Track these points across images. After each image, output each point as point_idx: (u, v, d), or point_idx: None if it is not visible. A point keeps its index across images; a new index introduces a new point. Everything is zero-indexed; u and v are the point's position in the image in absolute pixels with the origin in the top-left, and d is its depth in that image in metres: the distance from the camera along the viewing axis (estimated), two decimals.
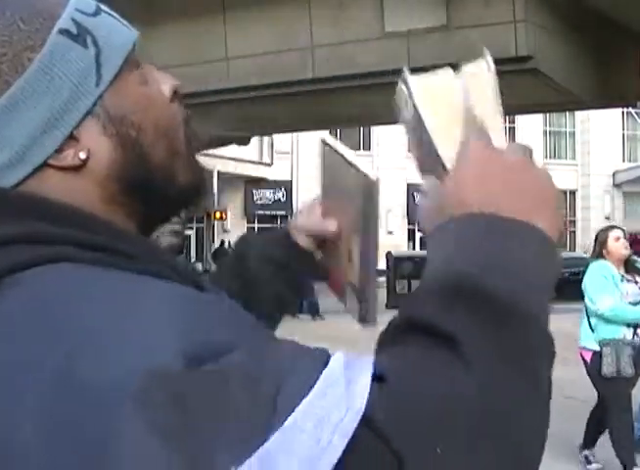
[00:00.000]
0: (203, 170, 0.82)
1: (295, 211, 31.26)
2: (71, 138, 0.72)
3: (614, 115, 39.94)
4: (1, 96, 0.70)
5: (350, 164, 0.92)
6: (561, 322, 14.21)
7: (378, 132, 38.14)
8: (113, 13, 0.77)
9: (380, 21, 12.17)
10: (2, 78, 0.70)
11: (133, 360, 0.56)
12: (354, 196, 0.92)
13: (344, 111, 14.86)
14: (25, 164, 0.71)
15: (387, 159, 39.19)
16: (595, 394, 6.46)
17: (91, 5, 0.75)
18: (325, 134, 0.93)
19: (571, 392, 8.86)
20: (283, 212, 36.84)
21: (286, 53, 13.03)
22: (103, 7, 0.77)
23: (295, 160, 36.85)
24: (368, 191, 0.90)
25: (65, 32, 0.71)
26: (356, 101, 13.68)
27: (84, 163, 0.73)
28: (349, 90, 12.74)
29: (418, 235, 40.53)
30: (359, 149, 38.90)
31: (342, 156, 0.94)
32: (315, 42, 12.67)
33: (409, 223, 40.42)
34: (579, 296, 6.43)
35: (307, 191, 37.31)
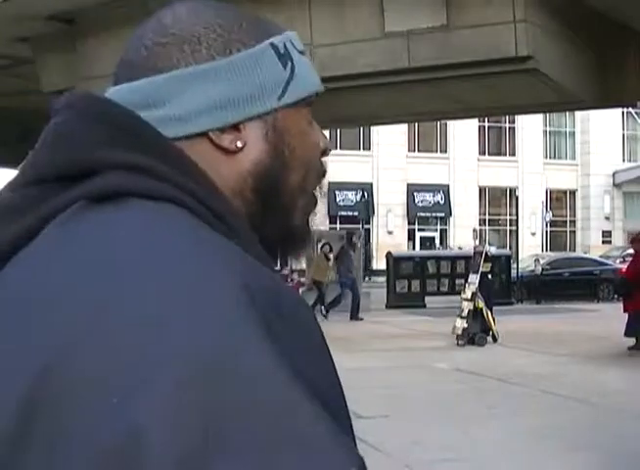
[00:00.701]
0: (311, 233, 0.90)
1: None
2: (236, 127, 0.81)
3: (614, 115, 39.92)
4: (204, 63, 0.81)
5: None
6: (558, 321, 14.07)
7: (378, 132, 38.09)
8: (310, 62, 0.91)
9: (380, 21, 12.16)
10: (211, 51, 0.81)
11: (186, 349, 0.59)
12: None
13: (344, 111, 14.86)
14: (191, 125, 0.80)
15: (387, 159, 39.16)
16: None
17: (301, 45, 0.89)
18: None
19: (558, 388, 8.88)
20: None
21: None
22: (307, 54, 0.91)
23: None
24: None
25: (274, 48, 0.85)
26: (356, 101, 13.68)
27: (237, 150, 0.82)
28: (349, 90, 12.73)
29: (418, 235, 40.54)
30: (359, 149, 38.89)
31: None
32: (315, 42, 12.67)
33: (409, 223, 40.40)
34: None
35: None
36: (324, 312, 17.99)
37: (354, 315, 17.99)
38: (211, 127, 0.80)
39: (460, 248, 30.56)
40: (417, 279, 21.57)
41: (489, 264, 14.43)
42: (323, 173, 0.91)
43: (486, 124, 40.85)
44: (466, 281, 14.44)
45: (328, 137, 0.93)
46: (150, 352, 0.59)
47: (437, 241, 40.43)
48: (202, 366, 0.58)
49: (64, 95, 0.80)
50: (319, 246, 19.69)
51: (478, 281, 13.67)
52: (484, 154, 41.63)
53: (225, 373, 0.58)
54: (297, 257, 0.90)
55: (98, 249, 0.67)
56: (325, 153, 0.91)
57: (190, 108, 0.79)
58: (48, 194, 0.73)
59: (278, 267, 0.99)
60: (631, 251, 14.60)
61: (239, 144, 0.81)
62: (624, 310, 12.89)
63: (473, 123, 39.33)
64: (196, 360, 0.58)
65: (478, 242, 19.90)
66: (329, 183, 44.92)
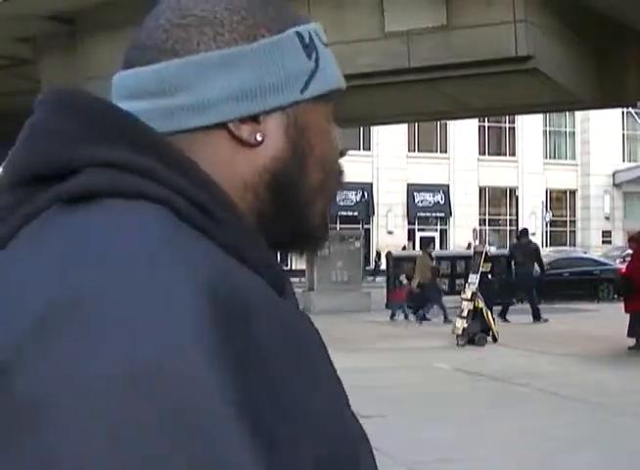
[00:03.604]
0: (328, 233, 0.85)
1: None
2: (255, 119, 0.76)
3: (614, 115, 39.94)
4: (227, 48, 0.75)
5: None
6: (558, 321, 14.02)
7: (378, 132, 38.11)
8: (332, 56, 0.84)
9: (380, 21, 12.16)
10: (234, 35, 0.76)
11: (133, 353, 0.56)
12: None
13: (345, 111, 14.86)
14: (210, 114, 0.74)
15: (387, 159, 39.17)
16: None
17: (324, 37, 0.83)
18: None
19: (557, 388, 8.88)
20: None
21: None
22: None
23: None
24: None
25: (299, 36, 0.79)
26: (356, 101, 13.69)
27: (257, 143, 0.76)
28: (349, 90, 12.71)
29: (418, 235, 40.55)
30: (359, 149, 38.90)
31: None
32: None
33: (409, 223, 40.40)
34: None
35: None
36: (420, 317, 17.28)
37: (504, 316, 17.12)
38: (231, 118, 0.75)
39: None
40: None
41: (489, 264, 14.43)
42: (342, 176, 0.85)
43: (486, 124, 40.86)
44: (466, 281, 14.44)
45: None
46: (81, 362, 0.55)
47: (437, 241, 40.44)
48: (132, 380, 0.55)
49: (43, 92, 0.75)
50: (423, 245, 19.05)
51: (478, 281, 13.68)
52: (484, 154, 41.64)
53: (153, 392, 0.55)
54: (313, 255, 0.86)
55: (54, 255, 0.62)
56: (342, 154, 0.85)
57: (210, 96, 0.74)
58: (24, 198, 0.68)
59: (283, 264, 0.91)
60: (630, 251, 14.60)
61: (259, 137, 0.76)
62: (625, 311, 12.88)
63: (473, 123, 39.35)
64: (127, 374, 0.55)
65: (478, 242, 19.89)
66: None
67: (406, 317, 17.41)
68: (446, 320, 16.84)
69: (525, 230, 19.71)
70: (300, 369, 0.66)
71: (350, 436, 0.70)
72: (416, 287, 17.76)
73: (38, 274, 0.61)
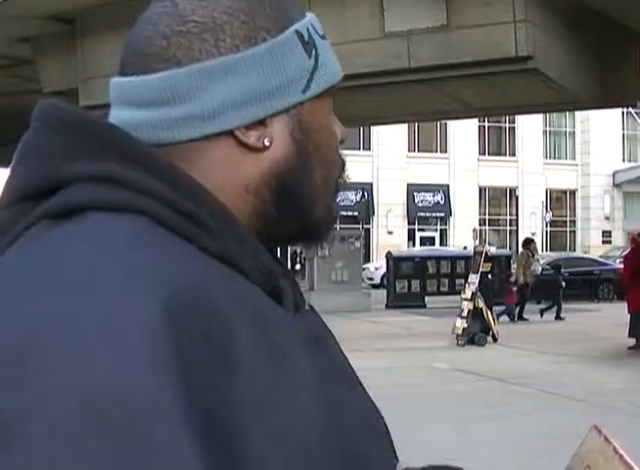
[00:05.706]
0: (335, 220, 0.85)
1: None
2: (261, 123, 0.76)
3: (614, 115, 39.93)
4: (227, 55, 0.75)
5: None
6: (559, 321, 14.01)
7: (378, 132, 38.10)
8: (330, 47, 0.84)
9: (380, 21, 12.16)
10: (235, 41, 0.75)
11: (79, 375, 0.58)
12: None
13: (345, 111, 14.86)
14: (216, 123, 0.75)
15: (387, 159, 39.16)
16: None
17: (321, 28, 0.84)
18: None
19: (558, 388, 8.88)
20: None
21: None
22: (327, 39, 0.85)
23: None
24: None
25: (299, 35, 0.79)
26: (356, 101, 13.69)
27: (265, 148, 0.77)
28: (349, 90, 12.73)
29: (418, 235, 40.54)
30: (359, 149, 38.91)
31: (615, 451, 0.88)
32: None
33: (409, 223, 40.39)
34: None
35: None
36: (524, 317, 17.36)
37: None
38: (238, 125, 0.75)
39: (465, 247, 30.39)
40: (417, 279, 21.56)
41: (489, 264, 14.44)
42: (344, 165, 0.85)
43: (486, 124, 40.86)
44: (466, 281, 14.45)
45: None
46: (35, 385, 0.58)
47: (437, 241, 40.43)
48: (91, 406, 0.57)
49: (37, 105, 0.76)
50: (521, 243, 18.68)
51: (478, 281, 13.68)
52: (484, 154, 41.64)
53: (111, 418, 0.57)
54: (321, 248, 0.86)
55: (20, 270, 0.65)
56: (342, 142, 0.86)
57: (214, 104, 0.74)
58: (20, 215, 0.70)
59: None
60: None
61: (266, 142, 0.76)
62: (629, 311, 12.82)
63: (473, 123, 39.35)
64: (84, 399, 0.57)
65: (478, 242, 19.86)
66: None
67: (512, 319, 17.31)
68: (558, 318, 17.18)
69: None
70: (276, 381, 0.67)
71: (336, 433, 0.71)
72: (518, 286, 17.57)
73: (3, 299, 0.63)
